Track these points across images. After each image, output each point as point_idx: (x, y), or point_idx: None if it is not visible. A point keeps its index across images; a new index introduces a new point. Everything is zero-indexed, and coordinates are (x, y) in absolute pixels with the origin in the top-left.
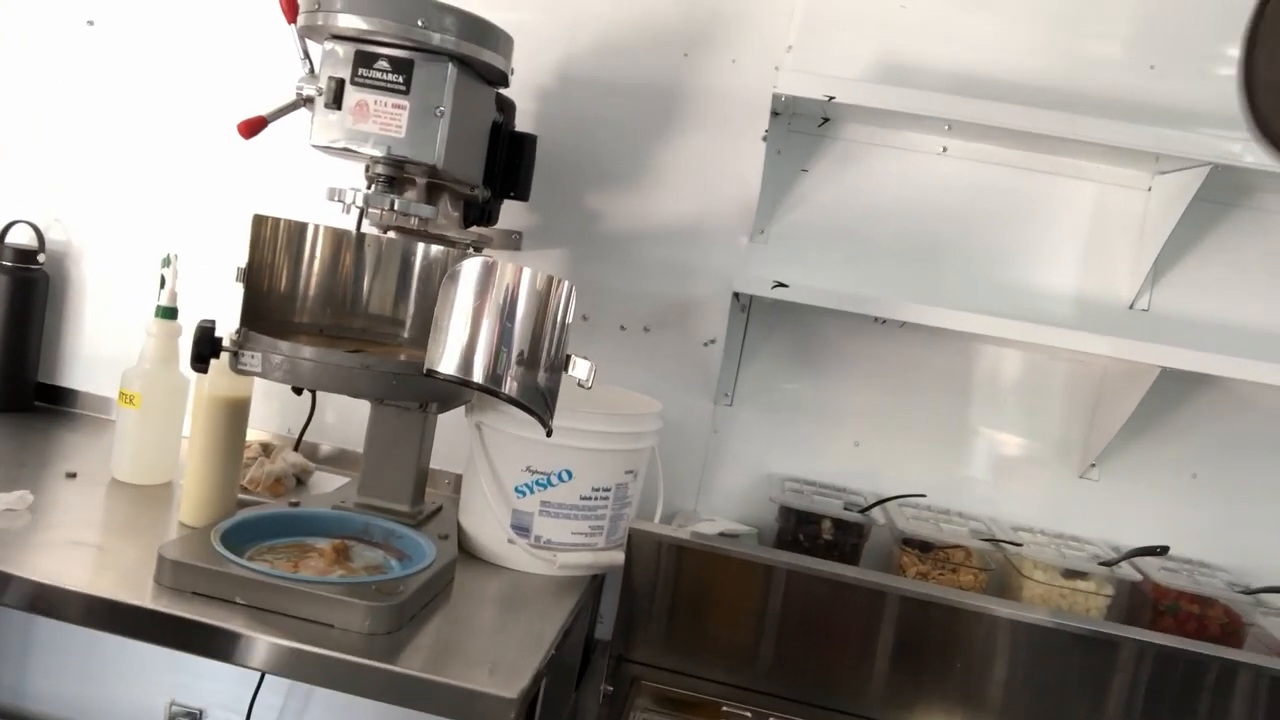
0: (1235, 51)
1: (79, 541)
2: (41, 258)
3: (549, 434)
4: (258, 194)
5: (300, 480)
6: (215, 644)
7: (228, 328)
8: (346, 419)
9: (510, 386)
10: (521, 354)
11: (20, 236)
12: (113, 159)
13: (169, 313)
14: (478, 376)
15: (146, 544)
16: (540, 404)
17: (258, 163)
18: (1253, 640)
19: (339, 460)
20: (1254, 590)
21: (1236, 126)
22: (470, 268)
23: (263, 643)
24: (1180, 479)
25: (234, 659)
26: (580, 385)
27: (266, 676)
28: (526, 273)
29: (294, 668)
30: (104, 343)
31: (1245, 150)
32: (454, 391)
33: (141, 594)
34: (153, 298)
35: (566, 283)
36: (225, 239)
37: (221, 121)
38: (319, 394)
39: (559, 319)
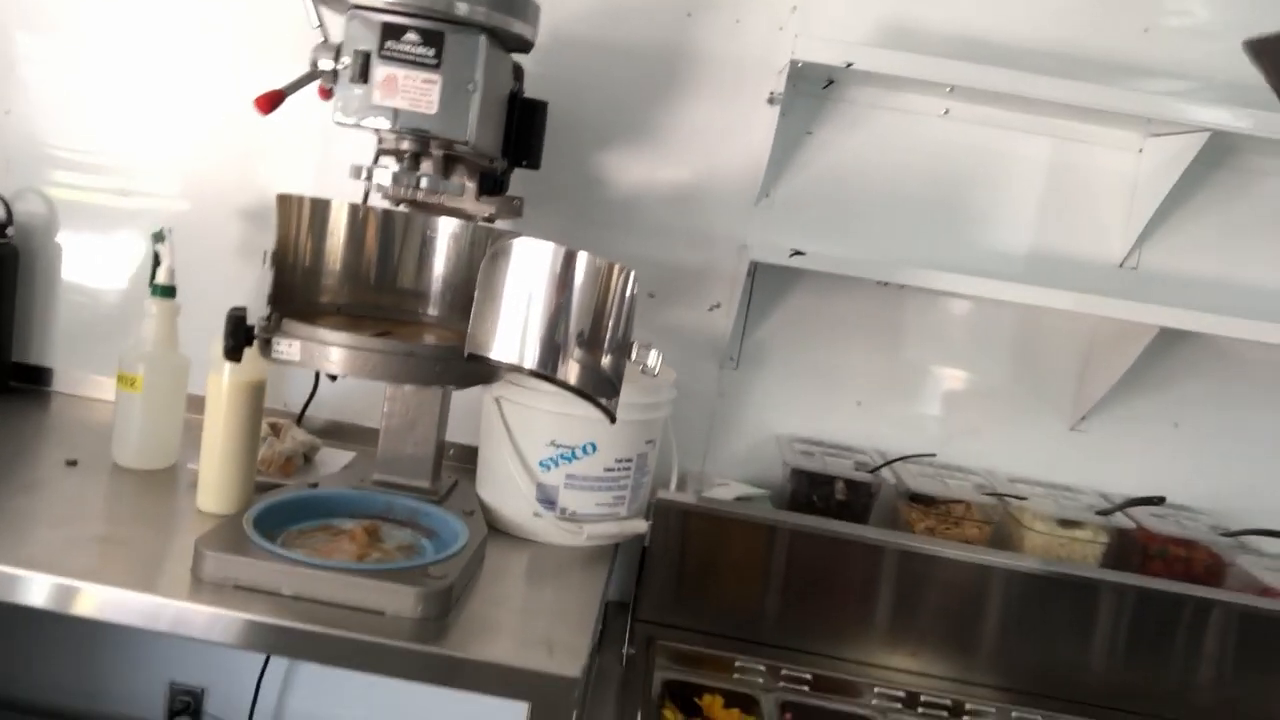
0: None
1: (102, 536)
2: (10, 230)
3: (613, 421)
4: (236, 161)
5: (307, 458)
6: (269, 639)
7: (216, 305)
8: (345, 392)
9: (569, 372)
10: (581, 336)
11: None
12: (84, 128)
13: (168, 291)
14: (530, 363)
15: (168, 534)
16: (605, 389)
17: (232, 129)
18: (1232, 579)
19: (337, 433)
20: (1234, 533)
21: (1225, 91)
22: (521, 248)
23: (320, 636)
24: (1164, 429)
25: (288, 653)
26: (645, 373)
27: (270, 657)
28: (583, 256)
29: (353, 658)
30: (79, 318)
31: (1235, 116)
32: (486, 373)
33: (181, 589)
34: (126, 270)
35: (631, 270)
36: (205, 210)
37: (201, 88)
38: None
39: (621, 303)
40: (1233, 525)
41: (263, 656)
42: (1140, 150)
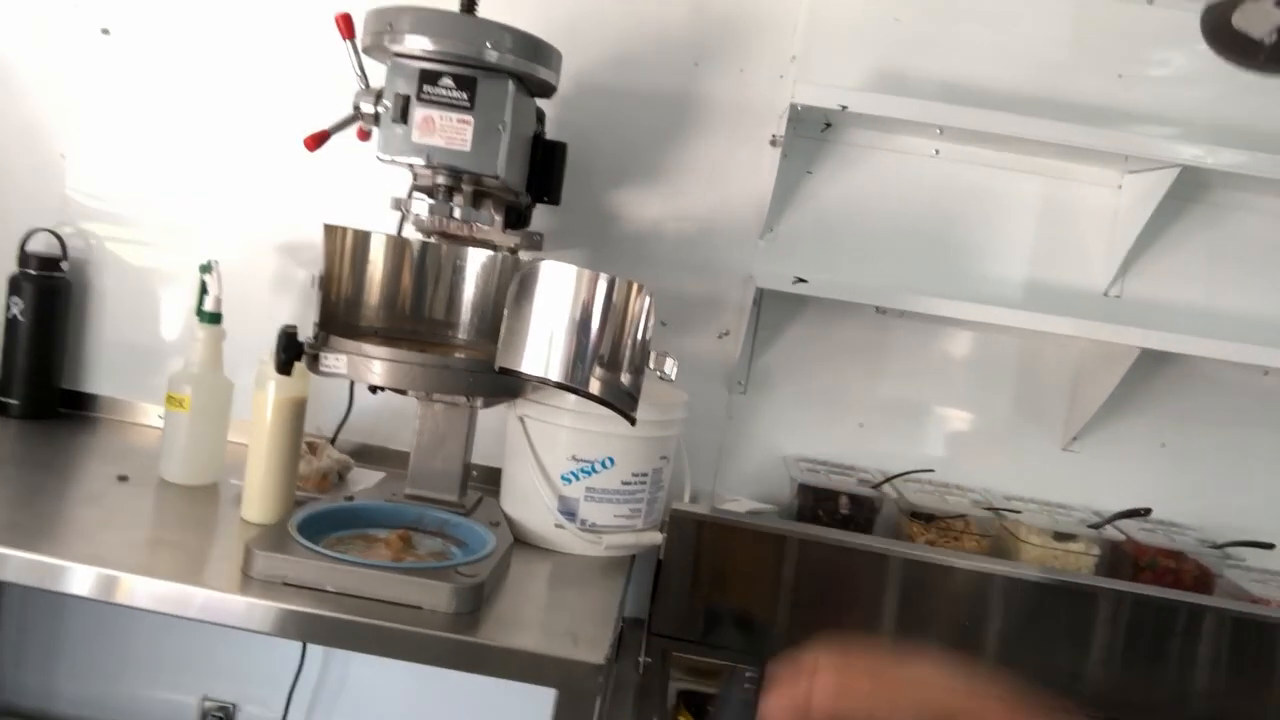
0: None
1: (157, 540)
2: (65, 265)
3: (633, 423)
4: (271, 199)
5: (341, 476)
6: (319, 630)
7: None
8: (375, 415)
9: (591, 384)
10: (601, 356)
11: (41, 245)
12: (133, 168)
13: (214, 318)
14: (556, 375)
15: (216, 539)
16: (625, 400)
17: (262, 170)
18: (1220, 590)
19: (366, 455)
20: (1221, 545)
21: (1206, 132)
22: (547, 270)
23: (365, 626)
24: (1151, 449)
25: (337, 642)
26: (663, 379)
27: (301, 672)
28: (603, 276)
29: (394, 647)
30: (124, 348)
31: (1204, 153)
32: (514, 387)
33: (233, 586)
34: (168, 303)
35: (647, 289)
36: (243, 245)
37: (242, 129)
38: (354, 393)
39: (639, 318)
40: (1219, 539)
41: (293, 672)
42: (1120, 186)
